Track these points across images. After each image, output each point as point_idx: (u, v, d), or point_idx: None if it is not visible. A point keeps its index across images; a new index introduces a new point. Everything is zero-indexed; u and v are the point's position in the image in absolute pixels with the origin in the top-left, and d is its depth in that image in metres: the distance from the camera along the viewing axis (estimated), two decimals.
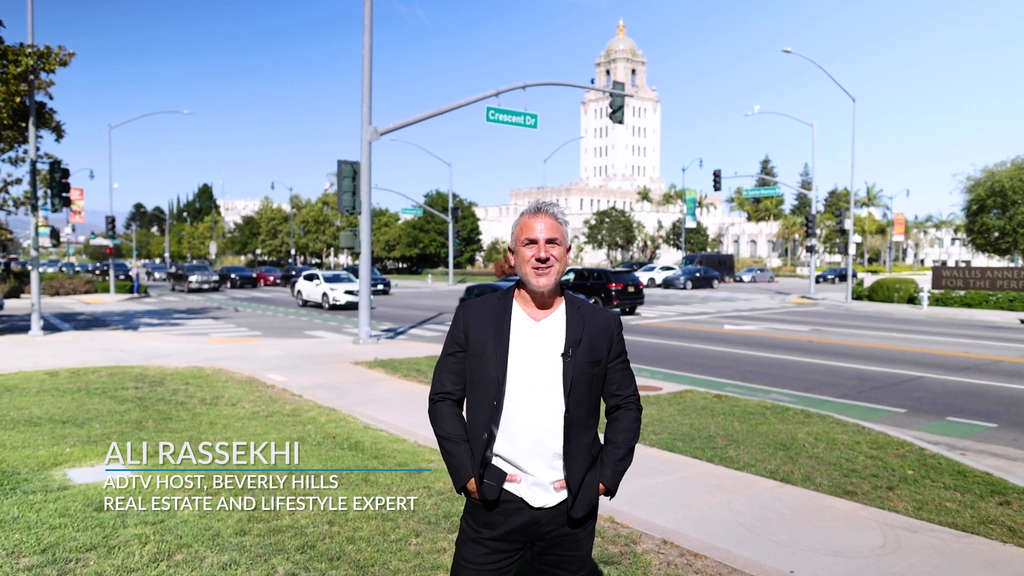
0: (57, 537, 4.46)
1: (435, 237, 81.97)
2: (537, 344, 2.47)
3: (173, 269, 43.43)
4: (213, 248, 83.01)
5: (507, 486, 2.46)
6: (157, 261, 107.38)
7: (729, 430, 8.12)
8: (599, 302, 24.72)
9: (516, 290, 2.57)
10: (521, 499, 2.47)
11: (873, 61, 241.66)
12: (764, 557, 4.63)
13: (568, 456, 2.46)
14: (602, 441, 2.62)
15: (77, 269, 64.93)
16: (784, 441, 7.62)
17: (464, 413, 2.58)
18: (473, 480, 2.46)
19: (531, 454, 2.45)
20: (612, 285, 25.73)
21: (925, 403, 10.57)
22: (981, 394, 11.27)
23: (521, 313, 2.52)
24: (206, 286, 39.67)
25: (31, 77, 17.82)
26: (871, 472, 6.59)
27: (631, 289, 26.28)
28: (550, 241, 2.47)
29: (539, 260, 2.45)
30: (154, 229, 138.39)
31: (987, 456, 7.77)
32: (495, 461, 2.49)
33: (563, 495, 2.48)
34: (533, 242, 2.47)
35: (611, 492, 2.55)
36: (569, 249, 2.55)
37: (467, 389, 2.55)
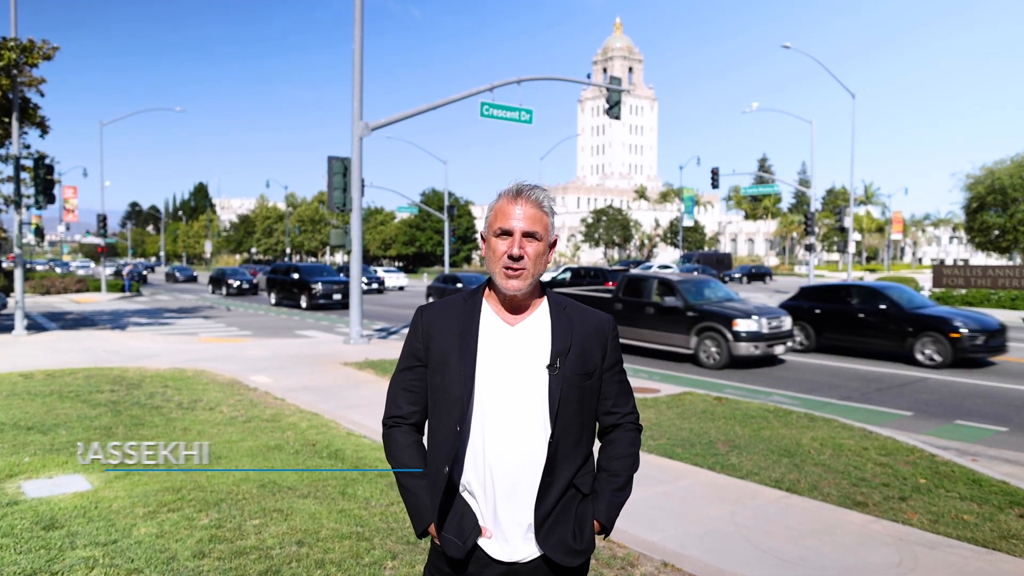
0: None
1: (432, 236, 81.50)
2: (513, 354, 2.03)
3: (298, 276, 30.39)
4: (208, 247, 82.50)
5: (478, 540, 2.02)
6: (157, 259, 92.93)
7: (730, 435, 7.75)
8: None
9: (486, 289, 2.14)
10: (487, 553, 2.02)
11: (871, 61, 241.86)
12: None
13: (543, 488, 1.99)
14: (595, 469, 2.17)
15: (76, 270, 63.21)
16: (788, 447, 7.25)
17: (425, 440, 2.14)
18: (433, 525, 2.03)
19: (506, 490, 1.99)
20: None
21: (932, 405, 10.21)
22: (989, 396, 10.91)
23: (492, 316, 2.08)
24: (337, 295, 29.39)
25: (14, 72, 17.41)
26: (881, 481, 6.22)
27: None
28: (528, 235, 1.99)
29: (511, 258, 1.99)
30: (149, 228, 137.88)
31: (1000, 462, 7.41)
32: (459, 500, 2.05)
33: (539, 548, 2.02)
34: (507, 233, 2.00)
35: (607, 529, 2.11)
36: (554, 244, 2.08)
37: (429, 410, 2.12)
